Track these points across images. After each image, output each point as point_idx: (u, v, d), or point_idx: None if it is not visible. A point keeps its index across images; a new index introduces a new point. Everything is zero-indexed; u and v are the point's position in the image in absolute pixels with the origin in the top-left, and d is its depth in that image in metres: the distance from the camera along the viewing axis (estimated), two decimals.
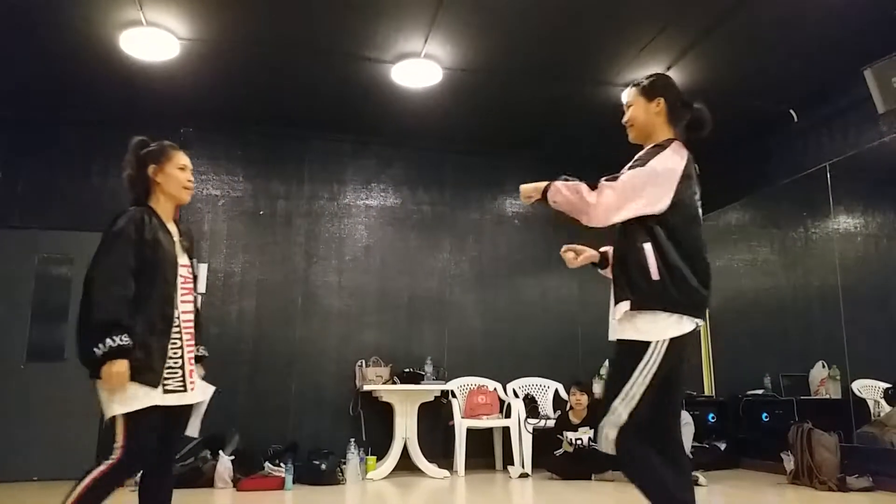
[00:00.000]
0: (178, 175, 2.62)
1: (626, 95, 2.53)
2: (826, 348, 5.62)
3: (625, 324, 2.23)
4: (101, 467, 2.31)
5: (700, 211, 2.39)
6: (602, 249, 2.60)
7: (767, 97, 5.89)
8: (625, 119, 2.52)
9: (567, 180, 2.31)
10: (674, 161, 2.31)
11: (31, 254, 5.92)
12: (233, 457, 5.30)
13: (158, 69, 5.30)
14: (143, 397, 2.34)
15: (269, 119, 6.37)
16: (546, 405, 6.40)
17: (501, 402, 6.29)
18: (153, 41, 4.85)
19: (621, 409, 2.17)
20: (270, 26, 4.82)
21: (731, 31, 4.84)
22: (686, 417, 5.46)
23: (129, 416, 2.33)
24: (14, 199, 5.94)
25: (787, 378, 5.90)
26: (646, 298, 2.19)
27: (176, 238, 2.59)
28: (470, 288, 6.82)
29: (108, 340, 2.27)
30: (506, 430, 6.12)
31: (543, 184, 2.37)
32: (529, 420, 5.96)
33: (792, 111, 6.09)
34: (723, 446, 6.21)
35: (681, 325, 2.19)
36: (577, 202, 2.27)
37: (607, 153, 6.88)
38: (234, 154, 6.52)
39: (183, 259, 2.58)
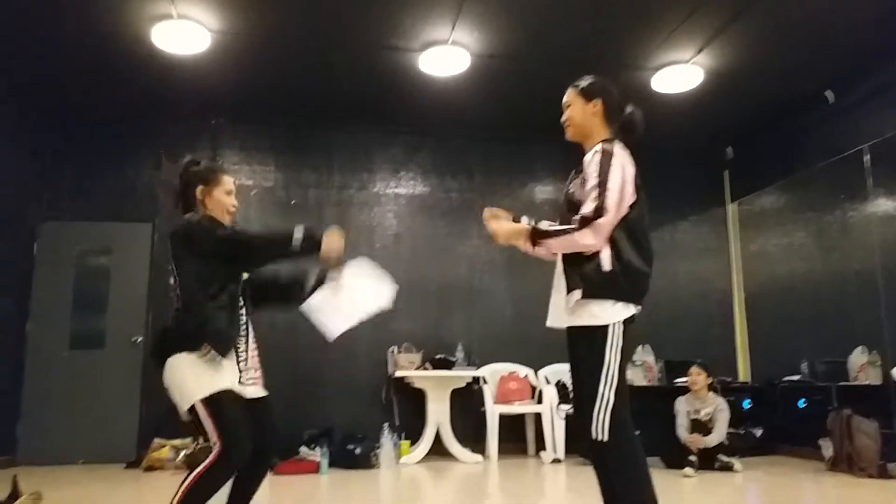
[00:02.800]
0: (225, 200, 2.67)
1: (566, 96, 2.64)
2: (865, 333, 5.51)
3: (578, 311, 2.34)
4: (205, 462, 2.33)
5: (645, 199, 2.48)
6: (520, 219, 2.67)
7: (801, 78, 5.76)
8: (563, 118, 2.63)
9: (534, 224, 2.45)
10: (626, 161, 2.41)
11: (71, 245, 6.08)
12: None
13: (190, 62, 5.38)
14: (219, 379, 2.38)
15: (299, 109, 6.43)
16: None
17: (533, 388, 6.30)
18: (184, 34, 4.93)
19: (608, 393, 2.26)
20: (299, 18, 4.86)
21: (763, 11, 4.74)
22: (721, 403, 5.41)
23: (208, 403, 2.35)
24: (53, 192, 6.10)
25: (825, 364, 5.79)
26: (597, 288, 2.31)
27: None
28: (500, 275, 6.82)
29: (296, 231, 2.42)
30: (538, 416, 6.13)
31: (522, 231, 2.47)
32: (562, 406, 5.97)
33: (827, 92, 5.95)
34: (759, 433, 6.13)
35: (627, 310, 2.33)
36: (574, 246, 2.36)
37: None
38: (264, 145, 6.60)
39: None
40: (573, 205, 2.43)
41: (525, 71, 5.66)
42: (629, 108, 2.60)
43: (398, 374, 5.94)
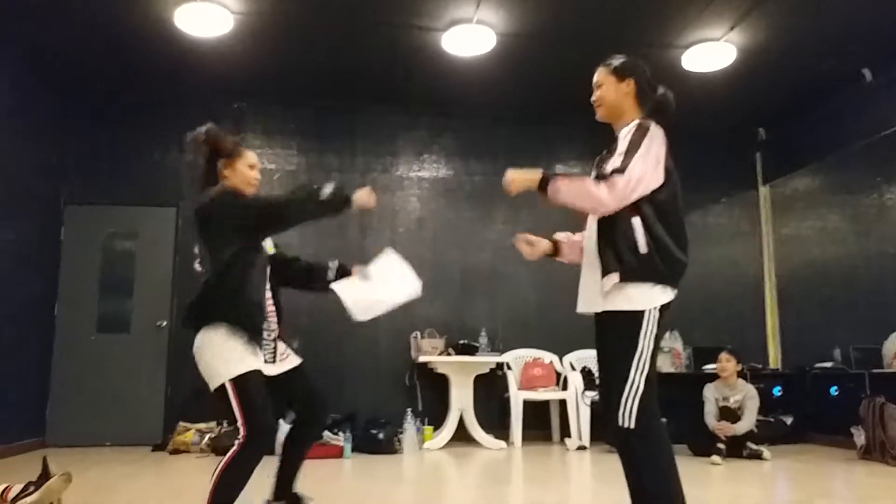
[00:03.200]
0: (248, 173, 2.70)
1: (597, 75, 2.57)
2: None
3: (614, 295, 2.28)
4: (233, 448, 2.35)
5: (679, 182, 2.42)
6: (556, 237, 2.65)
7: (837, 56, 5.56)
8: (593, 98, 2.56)
9: (559, 175, 2.34)
10: (660, 136, 2.35)
11: (97, 229, 6.13)
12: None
13: (212, 44, 5.35)
14: (248, 360, 2.40)
15: (322, 91, 6.38)
16: None
17: (558, 374, 6.23)
18: (207, 16, 4.89)
19: (639, 379, 2.22)
20: None
21: None
22: (751, 390, 5.31)
23: (236, 383, 2.35)
24: (80, 176, 6.14)
25: (859, 351, 5.64)
26: (635, 270, 2.25)
27: None
28: (524, 260, 6.70)
29: (325, 188, 2.43)
30: (562, 403, 6.07)
31: (537, 175, 2.38)
32: (587, 393, 5.90)
33: (864, 70, 5.75)
34: (789, 420, 6.02)
35: (665, 294, 2.27)
36: (584, 197, 2.28)
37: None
38: (287, 128, 6.57)
39: (268, 242, 2.73)
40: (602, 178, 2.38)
41: (551, 50, 5.54)
42: (661, 90, 2.55)
43: (421, 359, 5.92)
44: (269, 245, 2.78)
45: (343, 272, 2.88)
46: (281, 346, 2.73)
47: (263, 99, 6.45)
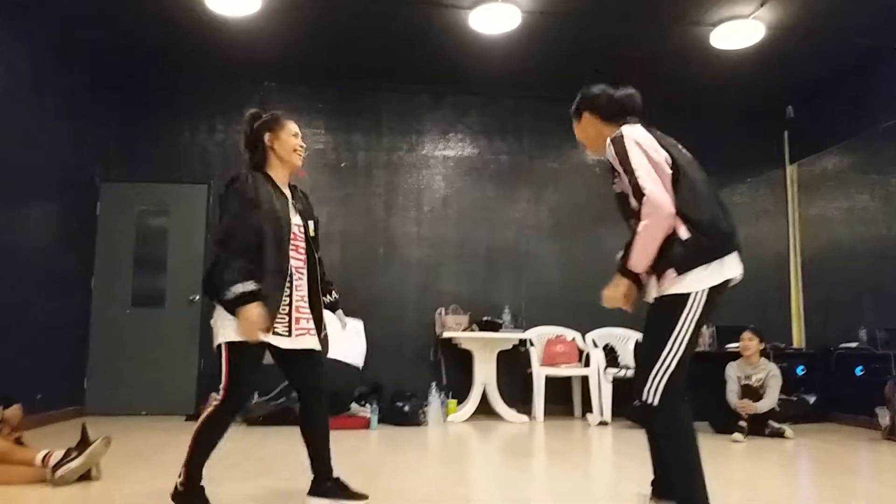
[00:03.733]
0: (291, 140, 2.84)
1: (574, 127, 2.71)
2: None
3: (670, 282, 2.29)
4: (212, 405, 2.57)
5: (690, 155, 2.45)
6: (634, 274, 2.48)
7: (868, 33, 5.46)
8: (582, 145, 2.72)
9: (624, 256, 2.36)
10: (633, 134, 2.39)
11: (131, 205, 6.29)
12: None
13: (241, 23, 5.43)
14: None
15: (349, 70, 6.44)
16: (627, 356, 6.36)
17: (580, 351, 6.30)
18: None
19: (671, 359, 2.25)
20: None
21: None
22: (773, 369, 5.32)
23: (231, 347, 2.52)
24: (113, 154, 6.29)
25: (885, 331, 5.62)
26: (686, 260, 2.26)
27: (290, 200, 2.78)
28: (548, 238, 6.79)
29: (236, 288, 2.46)
30: (584, 379, 6.14)
31: (619, 277, 2.39)
32: (609, 369, 5.96)
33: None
34: (812, 399, 6.03)
35: (721, 270, 2.28)
36: (651, 242, 2.28)
37: (688, 96, 6.61)
38: (314, 107, 6.65)
39: (295, 219, 2.76)
40: (624, 197, 2.46)
41: (577, 28, 5.52)
42: (619, 93, 2.58)
43: (446, 335, 6.02)
44: (311, 227, 2.83)
45: (333, 306, 3.00)
46: (308, 321, 2.74)
47: (291, 78, 6.53)
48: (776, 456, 4.39)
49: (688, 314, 2.25)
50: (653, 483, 2.56)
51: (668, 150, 2.35)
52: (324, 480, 2.79)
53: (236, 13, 5.23)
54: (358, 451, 4.32)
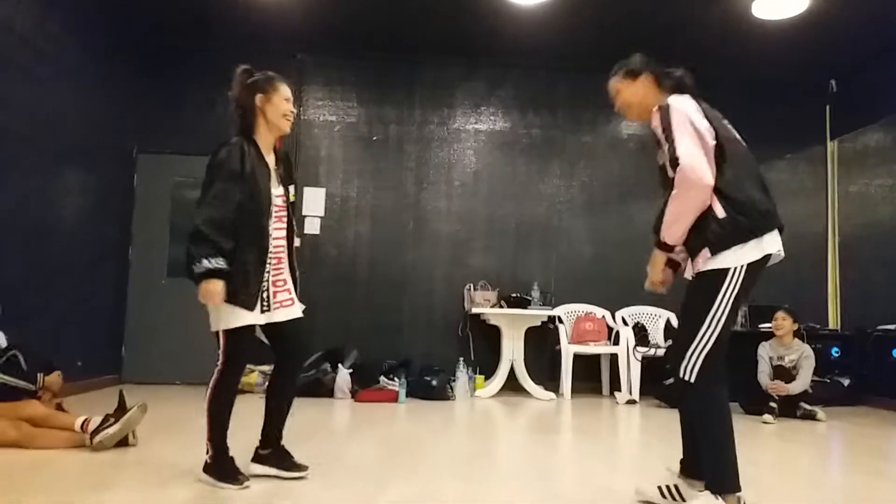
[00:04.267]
0: (283, 105, 2.78)
1: (610, 87, 2.62)
2: None
3: (709, 259, 2.28)
4: (214, 377, 2.67)
5: (735, 132, 2.40)
6: (671, 254, 2.51)
7: None
8: (616, 108, 2.61)
9: (657, 231, 2.35)
10: (682, 104, 2.34)
11: (167, 177, 6.38)
12: (351, 370, 5.65)
13: None
14: (241, 317, 2.62)
15: (381, 43, 6.40)
16: (657, 334, 6.32)
17: (610, 329, 6.26)
18: None
19: (709, 337, 2.24)
20: None
21: None
22: (807, 350, 5.24)
23: (227, 333, 2.64)
24: (150, 126, 6.37)
25: None
26: (721, 239, 2.24)
27: (272, 168, 2.78)
28: (579, 213, 6.72)
29: (205, 262, 2.52)
30: (613, 358, 6.12)
31: (657, 251, 2.41)
32: (639, 348, 5.92)
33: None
34: (846, 382, 5.93)
35: (760, 246, 2.26)
36: (685, 212, 2.26)
37: (727, 69, 6.43)
38: (347, 80, 6.63)
39: (277, 190, 2.77)
40: (663, 170, 2.40)
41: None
42: (678, 72, 2.54)
43: (474, 311, 6.03)
44: (291, 192, 2.84)
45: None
46: (283, 293, 2.77)
47: (324, 50, 6.52)
48: (807, 438, 4.34)
49: (726, 290, 2.23)
50: (682, 462, 2.56)
51: (713, 124, 2.31)
52: (270, 445, 2.82)
53: None
54: (386, 423, 4.37)
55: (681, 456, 2.56)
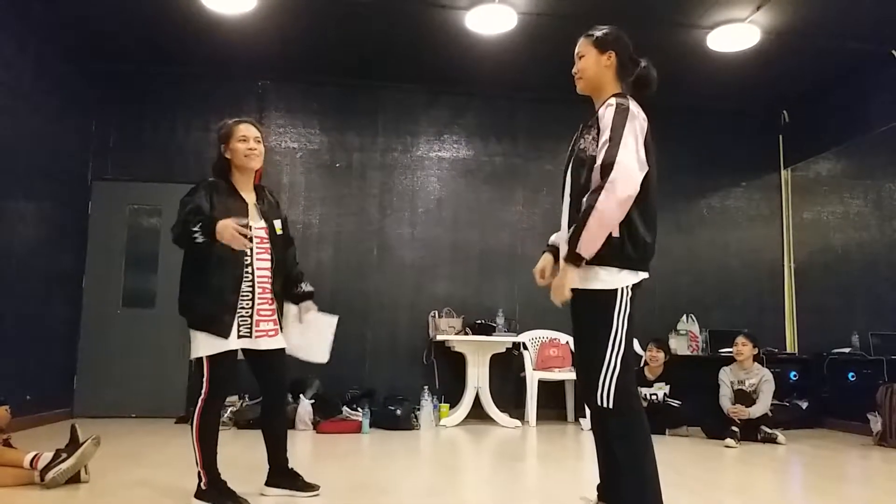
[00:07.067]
0: (240, 147, 2.90)
1: (579, 45, 2.53)
2: None
3: (586, 275, 2.27)
4: (198, 405, 2.74)
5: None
6: (551, 243, 2.72)
7: (864, 38, 5.48)
8: (574, 69, 2.53)
9: (573, 238, 2.24)
10: (641, 119, 2.32)
11: (122, 205, 6.23)
12: (313, 401, 5.53)
13: (236, 22, 5.39)
14: (218, 344, 2.72)
15: (344, 71, 6.40)
16: None
17: (573, 355, 6.27)
18: None
19: (614, 359, 2.25)
20: None
21: None
22: (766, 374, 5.32)
23: (209, 360, 2.74)
24: (106, 152, 6.24)
25: (878, 337, 5.63)
26: (605, 255, 2.24)
27: (251, 204, 2.90)
28: (542, 241, 6.64)
29: (198, 226, 2.63)
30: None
31: (565, 268, 2.27)
32: None
33: (894, 52, 5.66)
34: (804, 405, 6.03)
35: (636, 276, 2.29)
36: (605, 225, 2.19)
37: (685, 99, 6.61)
38: (310, 107, 6.61)
39: (258, 223, 2.86)
40: (581, 161, 2.34)
41: (574, 30, 5.36)
42: (643, 63, 2.49)
43: (439, 338, 5.99)
44: (277, 226, 2.95)
45: (305, 296, 3.09)
46: (267, 323, 2.86)
47: (287, 77, 6.50)
48: (768, 462, 4.38)
49: (619, 311, 2.25)
50: (598, 487, 2.54)
51: (648, 159, 2.29)
52: (279, 472, 2.99)
53: (232, 11, 5.19)
54: (349, 456, 4.28)
55: (598, 482, 2.54)
